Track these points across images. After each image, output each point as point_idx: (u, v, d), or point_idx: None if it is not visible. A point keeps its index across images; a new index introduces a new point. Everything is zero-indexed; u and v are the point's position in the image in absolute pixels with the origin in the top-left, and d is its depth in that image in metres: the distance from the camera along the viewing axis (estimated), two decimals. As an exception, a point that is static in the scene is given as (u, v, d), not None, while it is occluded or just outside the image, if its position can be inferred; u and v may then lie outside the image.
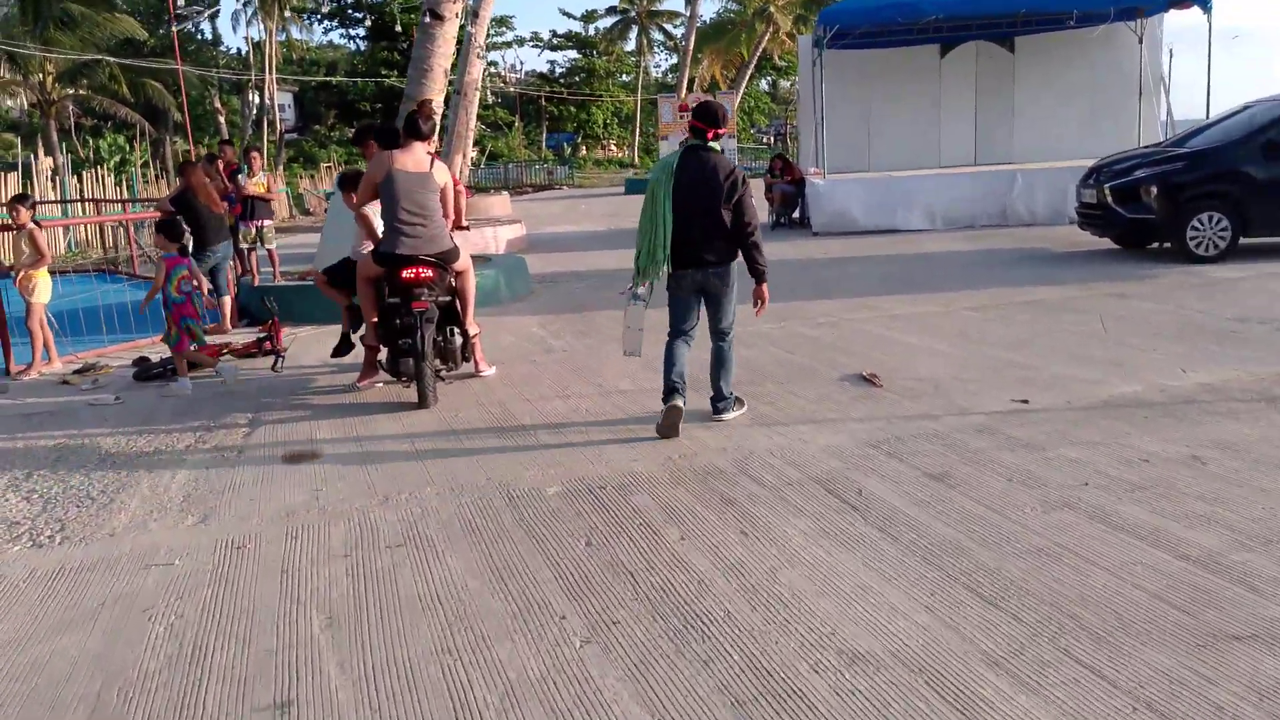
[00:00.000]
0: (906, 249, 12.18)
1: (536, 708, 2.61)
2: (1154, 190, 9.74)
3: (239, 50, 49.23)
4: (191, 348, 6.80)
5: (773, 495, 4.08)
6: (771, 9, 41.81)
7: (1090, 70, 16.07)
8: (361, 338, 6.40)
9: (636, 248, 5.09)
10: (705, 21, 48.78)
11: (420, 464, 4.78)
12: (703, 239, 4.93)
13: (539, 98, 58.20)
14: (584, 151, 57.13)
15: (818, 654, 2.79)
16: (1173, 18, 15.54)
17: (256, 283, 10.72)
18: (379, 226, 6.33)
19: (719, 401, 5.22)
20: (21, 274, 7.55)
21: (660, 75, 64.71)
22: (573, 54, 61.36)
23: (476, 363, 6.56)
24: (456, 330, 6.30)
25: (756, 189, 5.23)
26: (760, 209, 5.26)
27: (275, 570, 3.62)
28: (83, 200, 20.61)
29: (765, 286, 5.06)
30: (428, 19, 11.46)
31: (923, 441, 4.67)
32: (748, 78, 47.57)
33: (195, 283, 6.85)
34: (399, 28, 43.63)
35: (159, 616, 3.30)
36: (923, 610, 3.01)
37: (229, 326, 9.09)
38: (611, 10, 58.10)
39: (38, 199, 19.00)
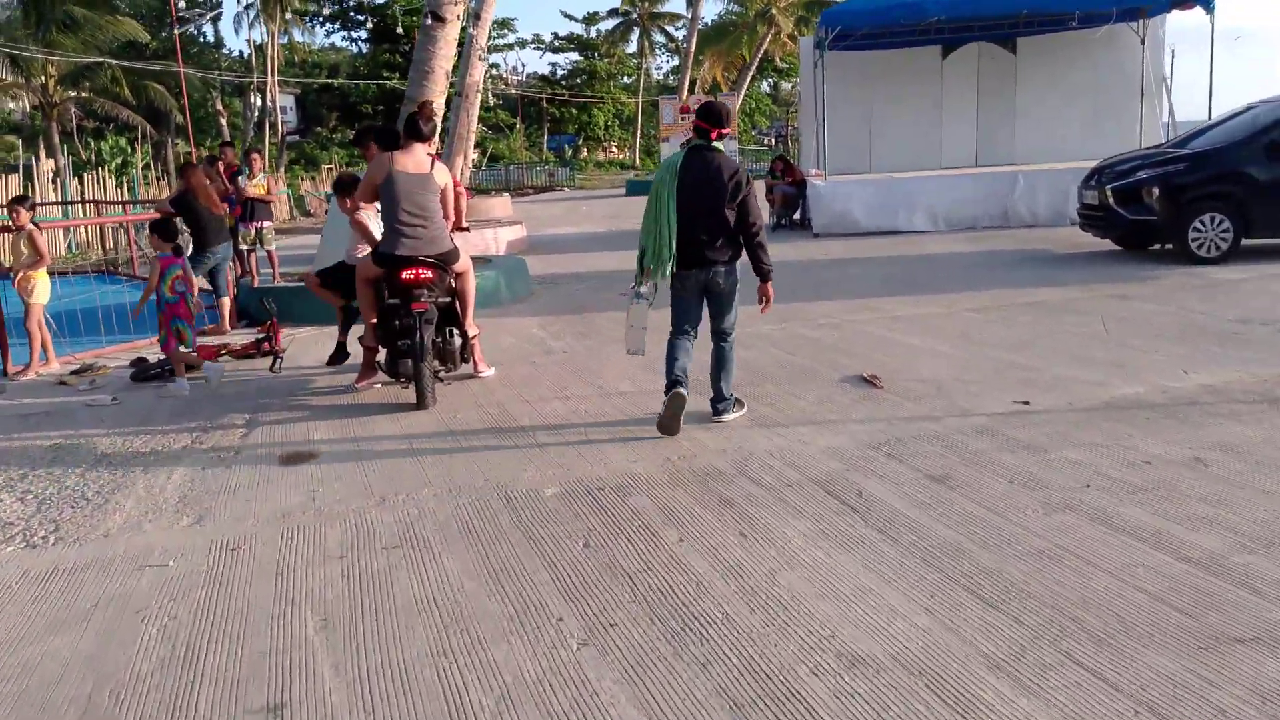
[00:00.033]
0: (908, 250, 12.15)
1: (533, 711, 2.58)
2: (1156, 191, 9.70)
3: (241, 53, 49.39)
4: (182, 349, 6.76)
5: (772, 497, 4.05)
6: (773, 10, 41.79)
7: (1092, 71, 16.04)
8: (360, 338, 6.38)
9: (640, 247, 5.09)
10: (707, 23, 48.81)
11: (418, 465, 4.76)
12: (707, 239, 4.93)
13: (540, 99, 58.22)
14: (585, 153, 57.14)
15: (817, 656, 2.76)
16: (1175, 18, 15.51)
17: (256, 284, 10.70)
18: (375, 230, 6.31)
19: (719, 403, 5.20)
20: (20, 275, 7.54)
21: (661, 77, 64.75)
22: (574, 56, 61.41)
23: (475, 364, 6.53)
24: (456, 331, 6.28)
25: (757, 190, 5.21)
26: (761, 210, 5.24)
27: (270, 571, 3.59)
28: (83, 202, 20.61)
29: (770, 285, 5.07)
30: (429, 21, 11.45)
31: (923, 443, 4.64)
32: (749, 79, 47.57)
33: (188, 283, 6.82)
34: (400, 29, 43.63)
35: (152, 618, 3.27)
36: (923, 612, 2.98)
37: (228, 327, 9.07)
38: (613, 12, 58.14)
39: (39, 201, 19.02)
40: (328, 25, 51.02)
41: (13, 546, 4.02)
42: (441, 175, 6.02)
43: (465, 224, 7.18)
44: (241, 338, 8.38)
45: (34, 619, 3.34)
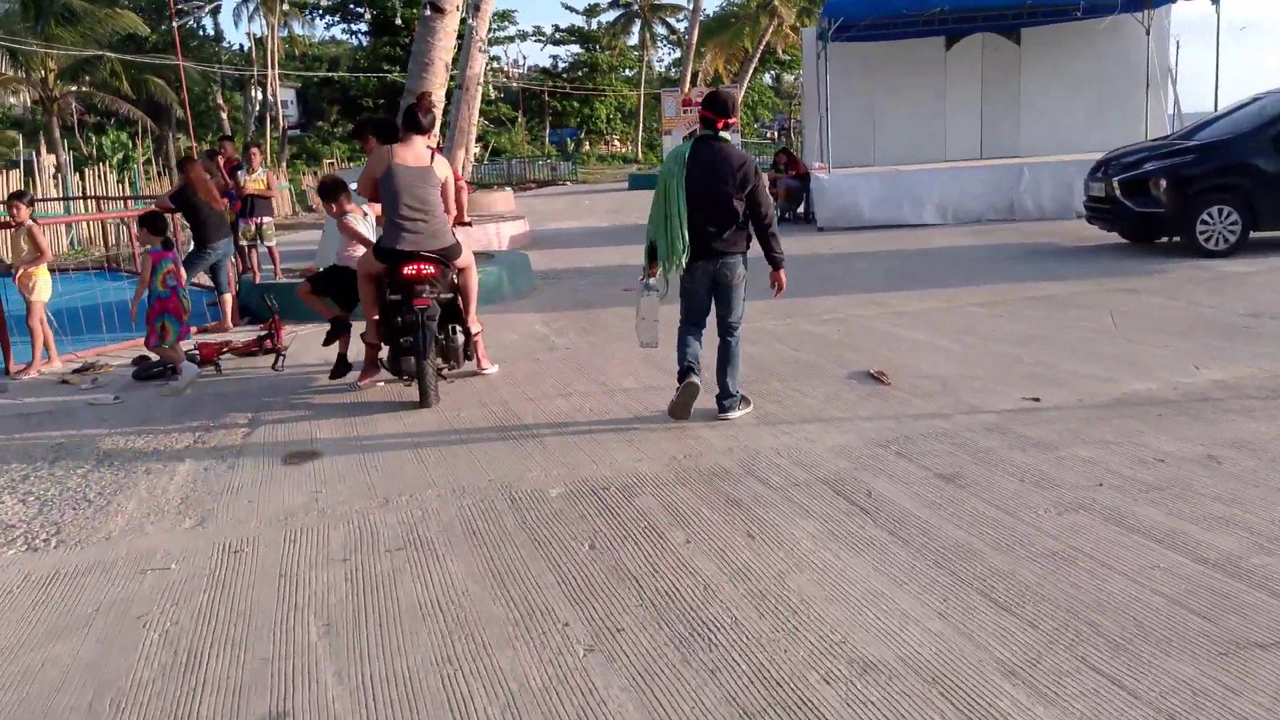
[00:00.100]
0: (912, 244, 12.09)
1: None
2: (1163, 183, 9.63)
3: (241, 46, 49.28)
4: (168, 345, 6.68)
5: (780, 497, 4.00)
6: (775, 2, 41.63)
7: (1097, 62, 15.95)
8: (362, 335, 6.32)
9: (648, 240, 5.10)
10: (708, 15, 48.67)
11: (421, 465, 4.71)
12: (715, 230, 4.92)
13: (542, 93, 58.08)
14: (587, 147, 57.01)
15: (828, 663, 2.71)
16: (1180, 9, 15.43)
17: (258, 280, 10.64)
18: (364, 233, 6.26)
19: (725, 400, 5.15)
20: (21, 271, 7.49)
21: (663, 70, 64.57)
22: (575, 48, 61.19)
23: (479, 361, 6.48)
24: (458, 328, 6.23)
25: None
26: (771, 200, 5.20)
27: (273, 575, 3.55)
28: (85, 198, 20.56)
29: (782, 272, 5.10)
30: (429, 12, 11.38)
31: (932, 441, 4.59)
32: (751, 72, 47.41)
33: (179, 277, 6.76)
34: (399, 21, 43.50)
35: (153, 623, 3.23)
36: (935, 617, 2.93)
37: (230, 325, 9.02)
38: (614, 4, 57.94)
39: (40, 196, 18.97)
40: (327, 18, 50.95)
41: (14, 550, 3.98)
42: (442, 168, 5.96)
43: (467, 218, 7.13)
44: (243, 335, 8.33)
45: (35, 624, 3.30)
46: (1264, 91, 10.34)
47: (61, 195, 20.99)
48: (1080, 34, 15.60)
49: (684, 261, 4.92)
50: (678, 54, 57.58)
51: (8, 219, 7.77)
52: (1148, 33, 15.02)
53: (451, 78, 12.40)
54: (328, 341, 6.52)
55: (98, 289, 9.47)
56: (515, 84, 58.78)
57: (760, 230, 4.99)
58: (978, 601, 3.01)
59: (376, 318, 6.07)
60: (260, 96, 44.40)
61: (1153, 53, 15.09)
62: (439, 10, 11.31)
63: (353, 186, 6.68)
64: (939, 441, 4.57)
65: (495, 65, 53.64)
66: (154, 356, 7.10)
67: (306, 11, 47.60)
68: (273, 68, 41.33)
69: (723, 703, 2.56)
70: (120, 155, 30.08)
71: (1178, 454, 4.24)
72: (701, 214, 4.90)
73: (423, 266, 5.74)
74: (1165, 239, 10.26)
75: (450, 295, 6.04)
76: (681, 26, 54.86)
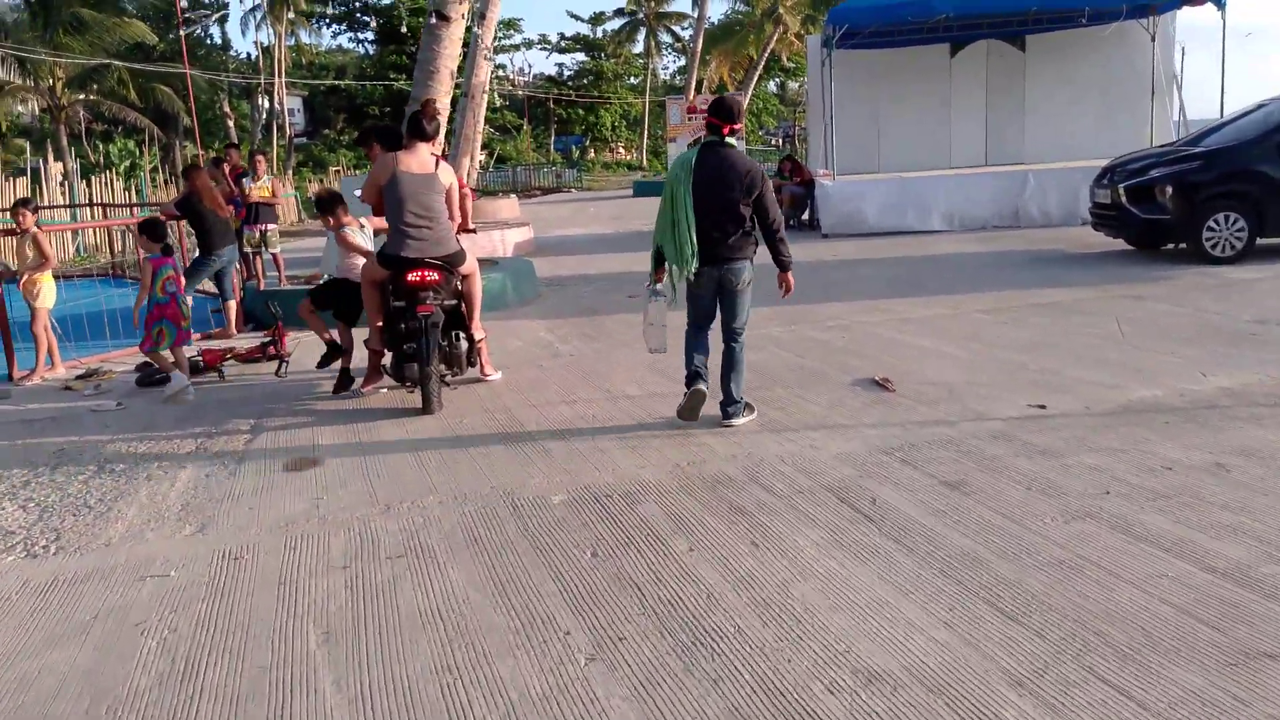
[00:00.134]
0: (917, 251, 12.05)
1: (539, 729, 2.51)
2: (1169, 190, 9.59)
3: (248, 55, 49.39)
4: (163, 351, 6.66)
5: (784, 504, 3.97)
6: (780, 9, 41.63)
7: (1102, 69, 15.91)
8: (366, 341, 6.30)
9: (655, 245, 5.14)
10: (713, 23, 48.66)
11: (423, 471, 4.69)
12: (720, 236, 4.94)
13: (547, 100, 58.19)
14: (592, 154, 57.09)
15: (832, 673, 2.68)
16: (1185, 15, 15.38)
17: (262, 287, 10.64)
18: (362, 244, 6.24)
19: (729, 406, 5.12)
20: (25, 278, 7.50)
21: (668, 77, 64.70)
22: (580, 56, 61.35)
23: (482, 367, 6.47)
24: (462, 334, 6.21)
25: (766, 189, 5.16)
26: (778, 204, 5.21)
27: (272, 582, 3.53)
28: (91, 205, 20.62)
29: (790, 274, 5.13)
30: (434, 20, 11.40)
31: (938, 448, 4.55)
32: (756, 79, 47.42)
33: (179, 284, 6.75)
34: (405, 29, 43.64)
35: (152, 631, 3.21)
36: (941, 626, 2.90)
37: (234, 331, 9.02)
38: (619, 12, 58.05)
39: (47, 204, 19.04)
40: (334, 27, 51.11)
41: (13, 556, 3.97)
42: (446, 175, 5.95)
43: (471, 225, 7.11)
44: (247, 342, 8.33)
45: (33, 632, 3.29)
46: (1270, 98, 10.30)
47: (68, 202, 21.06)
48: (1085, 40, 15.57)
49: (695, 267, 4.92)
50: (683, 61, 57.71)
51: (13, 226, 7.78)
52: (1153, 39, 14.99)
53: (457, 86, 12.41)
54: (322, 364, 6.43)
55: (102, 295, 9.47)
56: (521, 92, 58.90)
57: (768, 235, 5.03)
58: (984, 611, 2.98)
59: (380, 324, 6.05)
60: (267, 105, 44.55)
61: (1158, 59, 15.06)
62: (444, 18, 11.32)
63: (356, 193, 6.68)
64: (944, 449, 4.54)
65: (501, 73, 53.83)
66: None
67: (313, 20, 47.80)
68: (280, 76, 41.45)
69: (725, 713, 2.52)
70: (127, 163, 30.18)
71: (1185, 462, 4.20)
72: (708, 220, 4.91)
73: (427, 273, 5.73)
74: (1171, 246, 10.22)
75: (454, 302, 6.03)
76: (686, 34, 54.88)
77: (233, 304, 9.13)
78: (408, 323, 5.71)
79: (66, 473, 5.02)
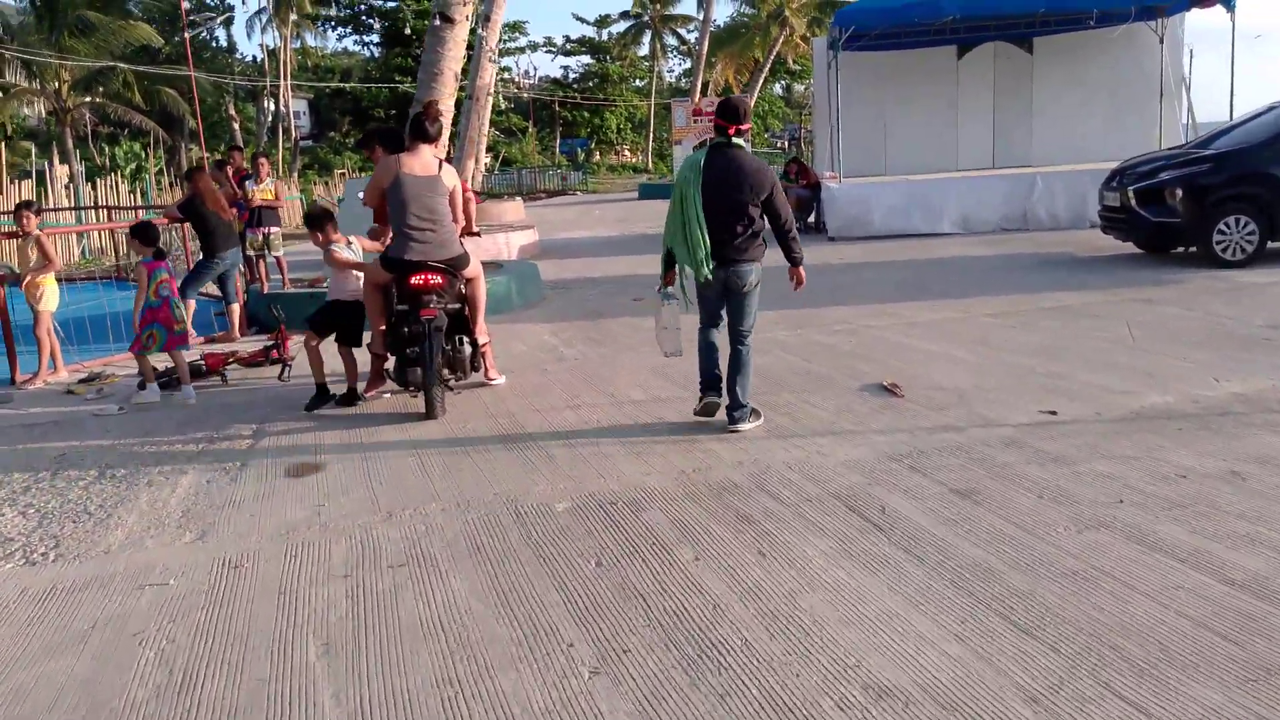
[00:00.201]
0: (924, 254, 11.98)
1: (542, 745, 2.45)
2: (1179, 193, 9.51)
3: (254, 58, 49.52)
4: (151, 354, 6.61)
5: (791, 512, 3.91)
6: (786, 12, 41.63)
7: (1110, 71, 15.83)
8: (369, 345, 6.26)
9: (664, 247, 5.15)
10: (719, 25, 48.63)
11: (426, 478, 4.64)
12: (728, 237, 4.92)
13: (552, 103, 58.21)
14: (597, 157, 57.12)
15: (842, 688, 2.62)
16: (1194, 17, 15.30)
17: (265, 290, 10.61)
18: (352, 259, 6.17)
19: (735, 411, 5.07)
20: (29, 280, 7.47)
21: (674, 80, 64.70)
22: (586, 59, 61.41)
23: (486, 371, 6.41)
24: (466, 339, 6.16)
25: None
26: (788, 204, 5.19)
27: (272, 591, 3.48)
28: (96, 207, 20.65)
29: (801, 269, 5.18)
30: (438, 22, 11.37)
31: (947, 455, 4.49)
32: (761, 82, 47.39)
33: (172, 287, 6.70)
34: (410, 31, 43.68)
35: (150, 641, 3.16)
36: (953, 639, 2.83)
37: (238, 335, 8.99)
38: (625, 15, 58.09)
39: (52, 206, 19.05)
40: (339, 30, 51.20)
41: (12, 564, 3.92)
42: (450, 178, 5.90)
43: (475, 229, 7.06)
44: (250, 345, 8.29)
45: (30, 641, 3.24)
46: (1279, 101, 10.22)
47: (73, 205, 21.09)
48: (1093, 43, 15.49)
49: (709, 269, 4.90)
50: (688, 64, 57.70)
51: (16, 229, 7.76)
52: (1161, 41, 14.90)
53: (461, 88, 12.38)
54: (310, 407, 6.07)
55: (105, 299, 9.45)
56: (526, 94, 58.95)
57: (780, 235, 5.06)
58: (997, 624, 2.92)
59: (383, 328, 6.00)
60: (272, 107, 44.61)
61: (1166, 61, 14.96)
62: (448, 20, 11.29)
63: (360, 196, 6.62)
64: (954, 455, 4.47)
65: (506, 76, 53.87)
66: (159, 367, 7.06)
67: (319, 23, 47.87)
68: (285, 79, 41.54)
69: (732, 729, 2.47)
70: (133, 166, 30.25)
71: (1199, 469, 4.13)
72: (716, 221, 4.90)
73: (430, 276, 5.68)
74: (1181, 249, 10.14)
75: (458, 306, 5.98)
76: (692, 37, 54.91)
77: (236, 307, 9.10)
78: (411, 326, 5.66)
79: (67, 478, 4.98)
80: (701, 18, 48.31)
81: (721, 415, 5.14)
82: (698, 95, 40.65)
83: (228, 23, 44.90)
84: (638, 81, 62.22)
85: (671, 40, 59.42)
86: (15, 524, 4.36)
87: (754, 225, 4.93)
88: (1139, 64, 15.40)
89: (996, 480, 4.13)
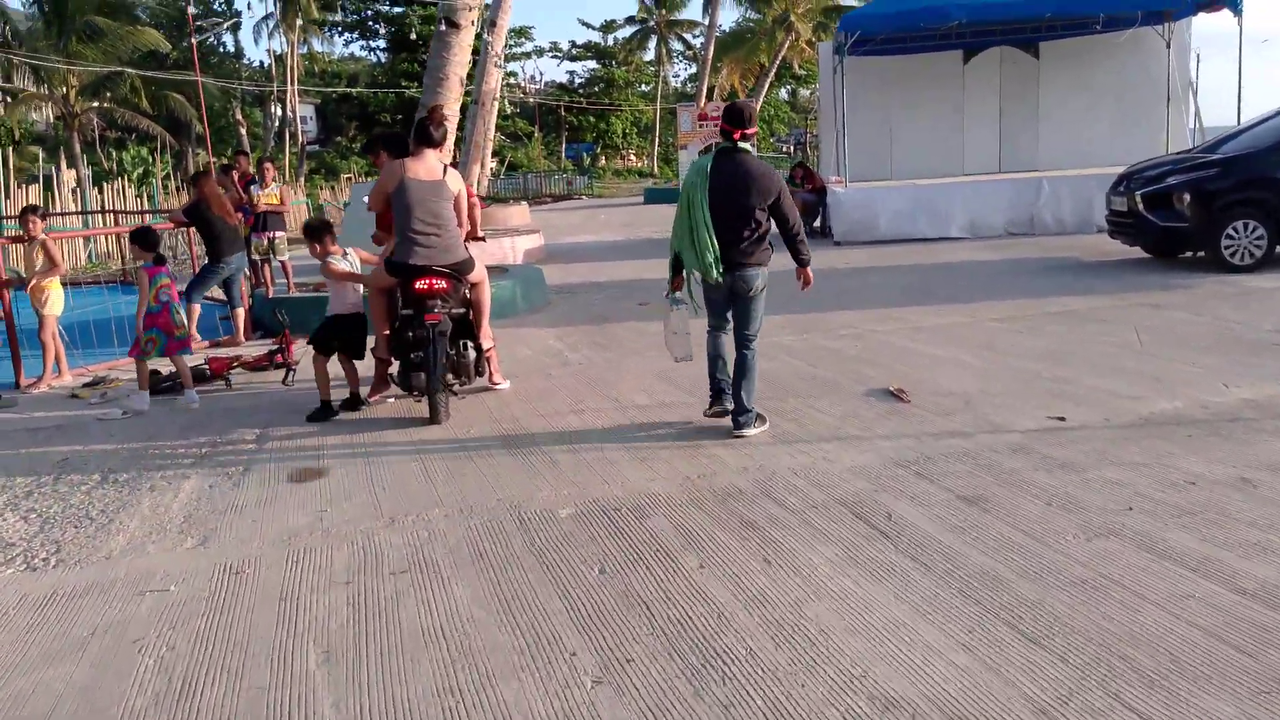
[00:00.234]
0: (930, 258, 11.94)
1: (543, 756, 2.42)
2: (1187, 197, 9.46)
3: (261, 63, 49.67)
4: (150, 359, 6.59)
5: (797, 519, 3.87)
6: (792, 17, 41.65)
7: (1117, 75, 15.79)
8: (373, 350, 6.23)
9: (672, 252, 5.15)
10: (724, 30, 48.71)
11: (429, 483, 4.61)
12: (735, 241, 4.92)
13: (558, 108, 58.29)
14: (603, 161, 57.14)
15: (848, 699, 2.58)
16: (1201, 22, 15.27)
17: (270, 294, 10.62)
18: (348, 270, 6.14)
19: (740, 416, 5.04)
20: (34, 284, 7.47)
21: (680, 85, 64.75)
22: (592, 64, 61.48)
23: (491, 376, 6.39)
24: (470, 343, 6.13)
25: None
26: (795, 208, 5.19)
27: (273, 598, 3.45)
28: (103, 212, 20.69)
29: (809, 270, 5.21)
30: (443, 27, 11.38)
31: (954, 461, 4.45)
32: (767, 86, 47.41)
33: (173, 293, 6.69)
34: (416, 37, 43.79)
35: (149, 648, 3.14)
36: (961, 649, 2.80)
37: (243, 339, 8.98)
38: (630, 20, 58.20)
39: (59, 211, 19.10)
40: (346, 35, 51.33)
41: (13, 569, 3.90)
42: (454, 182, 5.88)
43: (480, 233, 7.03)
44: (254, 350, 8.28)
45: (29, 647, 3.22)
46: (1288, 104, 10.17)
47: (80, 209, 21.13)
48: (1100, 47, 15.44)
49: (719, 273, 4.88)
50: (694, 69, 57.73)
51: (22, 232, 7.76)
52: (1168, 46, 14.84)
53: (467, 93, 12.39)
54: (312, 418, 5.99)
55: (109, 303, 9.45)
56: (532, 99, 59.03)
57: (788, 239, 5.08)
58: (1005, 633, 2.88)
59: (387, 333, 5.98)
60: (279, 112, 44.75)
61: (1173, 66, 14.90)
62: (454, 25, 11.30)
63: (365, 200, 6.61)
64: (961, 462, 4.43)
65: (511, 81, 53.91)
66: (162, 371, 7.05)
67: (325, 29, 48.01)
68: (292, 84, 41.64)
69: (736, 740, 2.43)
70: (140, 170, 30.33)
71: (1209, 476, 4.08)
72: (723, 225, 4.90)
73: (434, 281, 5.66)
74: (1189, 254, 10.08)
75: (462, 310, 5.95)
76: (698, 42, 55.03)
77: (241, 311, 9.09)
78: (415, 331, 5.63)
79: (70, 482, 4.96)
80: (707, 23, 48.43)
81: (727, 420, 5.11)
82: (703, 100, 40.69)
83: (235, 28, 44.93)
84: (643, 86, 62.29)
85: (677, 45, 59.55)
86: (17, 529, 4.34)
87: (760, 229, 4.93)
88: (1146, 68, 15.36)
89: (1004, 487, 4.09)
